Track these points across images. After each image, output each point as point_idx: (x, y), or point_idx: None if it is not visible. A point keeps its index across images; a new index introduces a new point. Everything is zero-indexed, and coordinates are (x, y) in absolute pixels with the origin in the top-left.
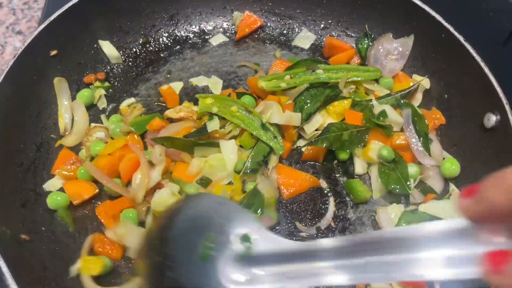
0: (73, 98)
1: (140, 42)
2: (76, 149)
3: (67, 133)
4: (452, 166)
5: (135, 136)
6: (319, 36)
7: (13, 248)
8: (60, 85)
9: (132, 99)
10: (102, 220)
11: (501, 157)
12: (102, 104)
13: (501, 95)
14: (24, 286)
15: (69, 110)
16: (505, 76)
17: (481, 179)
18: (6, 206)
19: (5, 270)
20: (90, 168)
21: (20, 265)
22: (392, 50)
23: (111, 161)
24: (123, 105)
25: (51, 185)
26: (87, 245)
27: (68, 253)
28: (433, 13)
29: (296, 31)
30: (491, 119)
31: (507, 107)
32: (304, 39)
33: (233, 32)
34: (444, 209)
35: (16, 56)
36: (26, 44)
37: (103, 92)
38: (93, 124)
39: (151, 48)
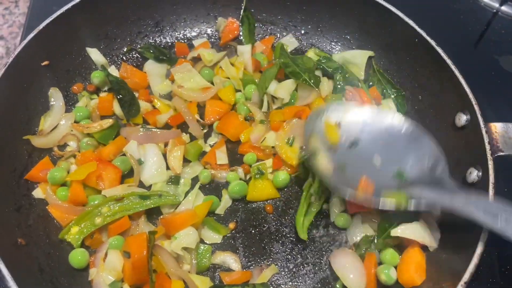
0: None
1: (126, 49)
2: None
3: (41, 134)
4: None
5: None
6: (300, 42)
7: (11, 251)
8: (56, 95)
9: None
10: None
11: (471, 154)
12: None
13: (471, 95)
14: (23, 286)
15: (57, 118)
16: (477, 77)
17: (453, 175)
18: (1, 210)
19: (5, 272)
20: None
21: (18, 267)
22: None
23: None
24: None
25: (40, 192)
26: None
27: (63, 255)
28: (407, 19)
29: (278, 36)
30: (462, 119)
31: (476, 107)
32: (289, 42)
33: (217, 37)
34: (415, 231)
35: (7, 65)
36: (16, 53)
37: (91, 102)
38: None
39: (137, 55)
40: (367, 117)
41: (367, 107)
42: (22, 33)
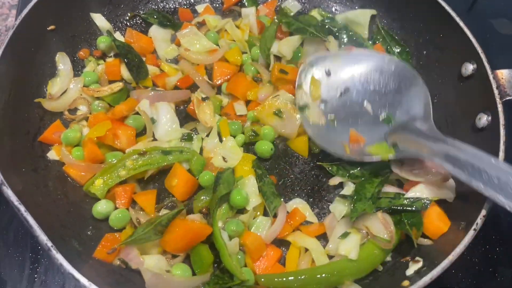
0: None
1: (130, 15)
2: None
3: (51, 97)
4: None
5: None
6: (303, 4)
7: (34, 210)
8: (63, 60)
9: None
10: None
11: (479, 101)
12: None
13: (476, 45)
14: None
15: (66, 82)
16: None
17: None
18: (19, 171)
19: (33, 223)
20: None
21: (43, 223)
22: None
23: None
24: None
25: (54, 154)
26: None
27: (82, 212)
28: None
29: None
30: (468, 68)
31: (482, 55)
32: (291, 6)
33: (220, 2)
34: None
35: (14, 28)
36: (23, 16)
37: (98, 67)
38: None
39: (141, 21)
40: (357, 62)
41: (357, 51)
42: (17, 10)
